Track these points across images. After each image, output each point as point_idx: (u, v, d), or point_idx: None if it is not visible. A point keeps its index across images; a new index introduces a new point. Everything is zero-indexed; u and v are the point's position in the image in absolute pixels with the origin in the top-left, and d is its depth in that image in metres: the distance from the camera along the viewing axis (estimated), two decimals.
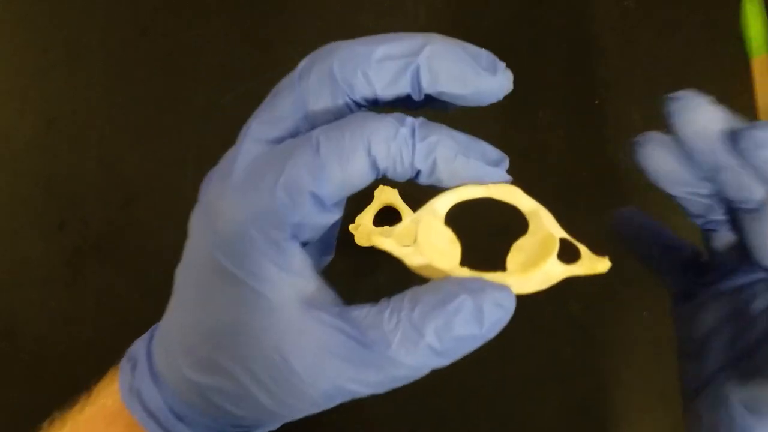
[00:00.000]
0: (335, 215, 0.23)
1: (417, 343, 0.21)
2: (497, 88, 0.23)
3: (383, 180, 0.23)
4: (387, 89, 0.22)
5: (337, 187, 0.22)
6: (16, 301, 0.53)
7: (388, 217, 0.52)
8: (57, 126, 0.56)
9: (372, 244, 0.24)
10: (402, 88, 0.22)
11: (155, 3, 0.58)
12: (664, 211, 0.34)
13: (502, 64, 0.23)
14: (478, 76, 0.22)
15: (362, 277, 0.49)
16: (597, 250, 0.24)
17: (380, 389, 0.22)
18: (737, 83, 0.54)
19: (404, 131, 0.22)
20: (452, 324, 0.21)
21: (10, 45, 0.58)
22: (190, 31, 0.57)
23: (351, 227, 0.23)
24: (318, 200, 0.22)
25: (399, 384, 0.22)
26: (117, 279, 0.53)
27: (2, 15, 0.58)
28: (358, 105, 0.23)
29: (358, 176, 0.22)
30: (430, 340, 0.21)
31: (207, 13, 0.57)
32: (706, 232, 0.28)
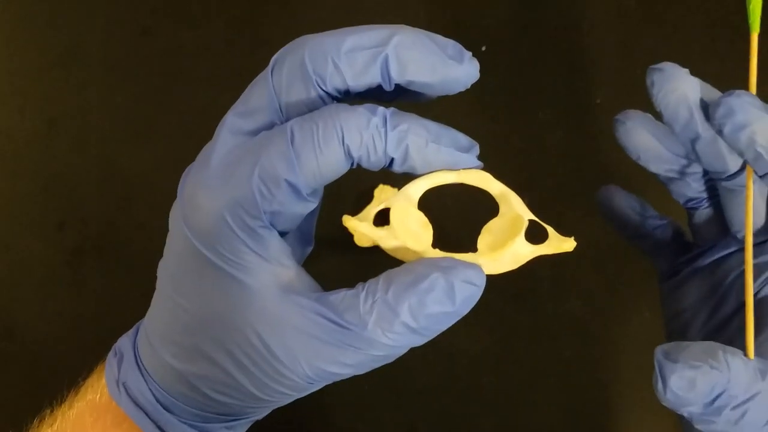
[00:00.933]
0: (311, 204, 0.24)
1: (392, 323, 0.22)
2: (464, 77, 0.24)
3: (383, 179, 0.23)
4: (357, 79, 0.23)
5: (312, 175, 0.23)
6: (15, 301, 0.53)
7: (388, 216, 0.52)
8: (57, 126, 0.56)
9: (348, 227, 0.25)
10: (372, 77, 0.23)
11: (155, 3, 0.58)
12: (664, 206, 0.34)
13: (468, 53, 0.24)
14: (445, 65, 0.23)
15: (362, 277, 0.49)
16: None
17: (360, 370, 0.23)
18: (737, 83, 0.53)
19: (376, 120, 0.23)
20: (425, 302, 0.22)
21: (10, 45, 0.58)
22: (190, 31, 0.57)
23: (344, 219, 0.23)
24: (294, 189, 0.22)
25: (379, 364, 0.23)
26: (117, 279, 0.53)
27: (2, 15, 0.58)
28: (331, 96, 0.23)
29: (333, 165, 0.23)
30: (405, 319, 0.22)
31: (207, 13, 0.57)
32: (689, 211, 0.29)
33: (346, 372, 0.23)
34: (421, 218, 0.25)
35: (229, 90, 0.55)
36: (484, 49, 0.53)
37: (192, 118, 0.55)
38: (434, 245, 0.25)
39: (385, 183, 0.50)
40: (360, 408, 0.50)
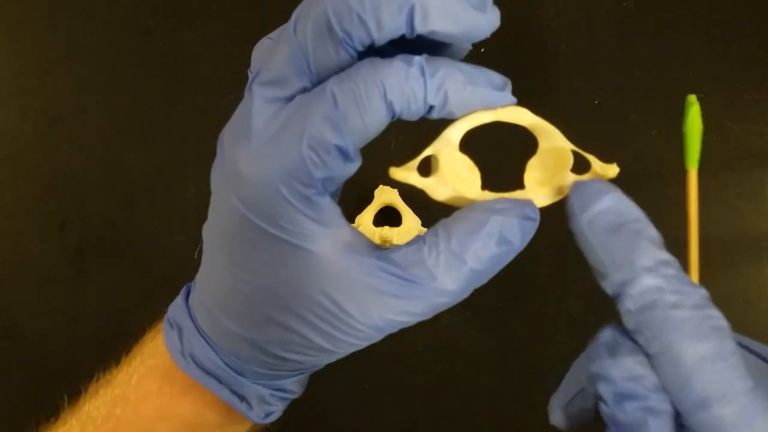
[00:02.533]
0: (357, 164, 0.24)
1: (460, 270, 0.23)
2: (486, 25, 0.24)
3: (383, 180, 0.23)
4: (382, 31, 0.22)
5: (359, 136, 0.23)
6: (17, 301, 0.53)
7: (388, 216, 0.52)
8: (58, 126, 0.56)
9: (397, 179, 0.24)
10: (397, 29, 0.23)
11: (156, 3, 0.58)
12: (661, 207, 0.34)
13: (489, 1, 0.24)
14: (468, 14, 0.23)
15: None
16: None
17: (427, 316, 0.24)
18: (737, 83, 0.54)
19: (414, 71, 0.23)
20: (489, 245, 0.23)
21: (12, 45, 0.58)
22: (191, 32, 0.57)
23: (391, 171, 0.23)
24: (343, 152, 0.22)
25: (444, 308, 0.24)
26: (118, 278, 0.53)
27: (3, 15, 0.59)
28: (356, 51, 0.23)
29: (377, 122, 0.23)
30: (473, 264, 0.23)
31: (207, 13, 0.57)
32: None
33: (415, 320, 0.24)
34: (467, 162, 0.25)
35: (230, 90, 0.56)
36: (483, 50, 0.53)
37: (192, 118, 0.56)
38: (483, 187, 0.25)
39: (384, 184, 0.51)
40: (360, 408, 0.50)
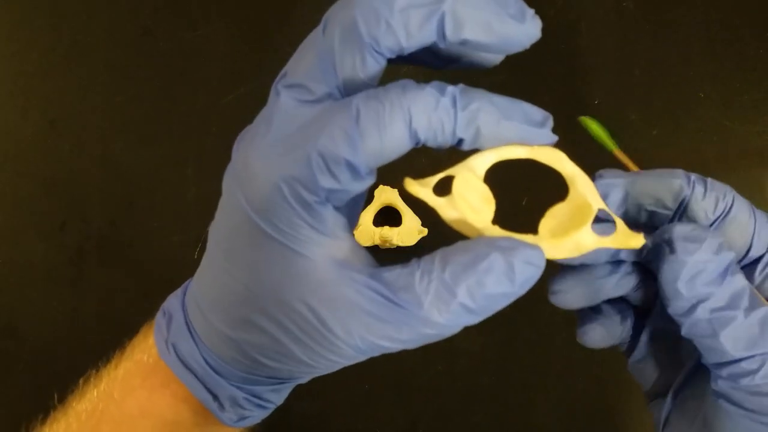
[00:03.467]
0: (368, 182, 0.23)
1: (449, 303, 0.22)
2: (524, 36, 0.23)
3: (383, 180, 0.23)
4: (412, 39, 0.22)
5: (373, 156, 0.22)
6: (18, 301, 0.53)
7: (388, 217, 0.52)
8: (58, 126, 0.56)
9: (409, 191, 0.24)
10: (427, 37, 0.22)
11: (156, 3, 0.58)
12: None
13: (530, 11, 0.22)
14: (503, 23, 0.22)
15: None
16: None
17: (411, 345, 0.23)
18: (737, 83, 0.54)
19: (445, 101, 0.22)
20: (484, 282, 0.21)
21: (12, 45, 0.58)
22: (191, 32, 0.57)
23: (406, 182, 0.23)
24: (353, 168, 0.22)
25: (431, 340, 0.23)
26: (118, 278, 0.53)
27: (3, 15, 0.59)
28: (384, 57, 0.23)
29: (396, 146, 0.22)
30: (463, 300, 0.22)
31: (208, 14, 0.57)
32: None
33: (397, 347, 0.23)
34: (485, 192, 0.24)
35: (230, 91, 0.56)
36: None
37: (192, 118, 0.56)
38: (494, 221, 0.24)
39: (384, 184, 0.51)
40: (360, 408, 0.50)
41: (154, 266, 0.53)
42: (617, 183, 0.28)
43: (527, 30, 0.23)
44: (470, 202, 0.23)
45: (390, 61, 0.23)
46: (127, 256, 0.54)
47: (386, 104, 0.21)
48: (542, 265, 0.22)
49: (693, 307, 0.24)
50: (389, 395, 0.51)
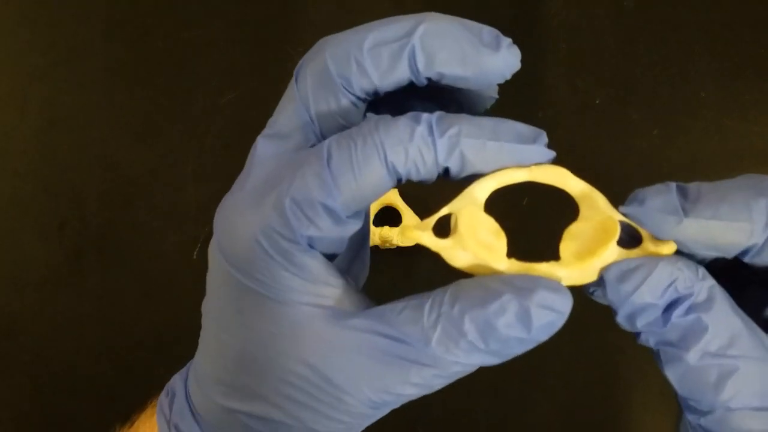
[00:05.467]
0: (353, 226, 0.22)
1: (458, 341, 0.20)
2: (502, 66, 0.21)
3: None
4: (385, 77, 0.21)
5: (351, 198, 0.20)
6: (16, 301, 0.53)
7: (388, 217, 0.52)
8: (57, 126, 0.56)
9: (408, 237, 0.22)
10: (400, 74, 0.21)
11: (156, 3, 0.58)
12: None
13: (506, 40, 0.21)
14: (478, 54, 0.21)
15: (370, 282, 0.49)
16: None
17: (427, 389, 0.21)
18: (738, 83, 0.54)
19: (421, 129, 0.20)
20: (494, 325, 0.19)
21: (11, 45, 0.58)
22: (190, 31, 0.57)
23: (403, 228, 0.21)
24: (331, 212, 0.20)
25: (446, 382, 0.21)
26: (117, 279, 0.53)
27: (3, 15, 0.58)
28: (360, 99, 0.22)
29: (375, 185, 0.21)
30: (473, 339, 0.20)
31: (207, 13, 0.57)
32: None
33: (413, 392, 0.21)
34: (492, 225, 0.22)
35: (230, 90, 0.56)
36: None
37: (192, 118, 0.55)
38: (509, 255, 0.21)
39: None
40: None
41: (153, 266, 0.53)
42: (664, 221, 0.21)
43: (505, 59, 0.21)
44: (480, 239, 0.21)
45: (367, 102, 0.22)
46: (125, 257, 0.54)
47: (358, 141, 0.20)
48: (565, 308, 0.20)
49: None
50: None
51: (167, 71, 0.57)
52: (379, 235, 0.50)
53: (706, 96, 0.53)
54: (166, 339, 0.51)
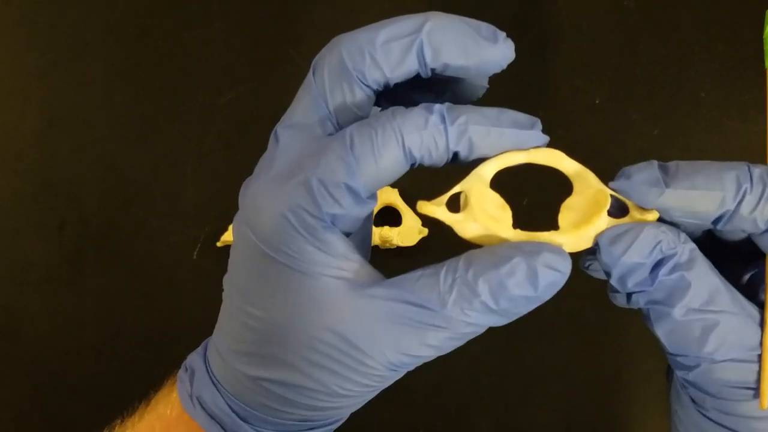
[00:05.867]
0: (370, 206, 0.24)
1: (471, 302, 0.22)
2: (500, 57, 0.24)
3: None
4: (395, 69, 0.23)
5: (371, 179, 0.23)
6: (16, 301, 0.53)
7: (388, 217, 0.52)
8: (57, 126, 0.56)
9: (424, 212, 0.24)
10: (409, 66, 0.23)
11: (156, 3, 0.58)
12: None
13: (502, 34, 0.24)
14: (478, 46, 0.24)
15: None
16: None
17: (442, 351, 0.23)
18: (737, 83, 0.54)
19: (434, 118, 0.23)
20: (506, 285, 0.22)
21: (11, 45, 0.58)
22: (190, 31, 0.57)
23: (419, 205, 0.24)
24: (353, 192, 0.23)
25: (460, 343, 0.23)
26: (117, 279, 0.53)
27: (2, 15, 0.58)
28: (373, 90, 0.24)
29: (392, 168, 0.23)
30: (485, 299, 0.22)
31: (207, 13, 0.57)
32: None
33: (429, 353, 0.23)
34: (498, 199, 0.25)
35: (230, 90, 0.56)
36: None
37: (192, 118, 0.55)
38: (514, 225, 0.24)
39: None
40: (360, 408, 0.50)
41: (153, 267, 0.53)
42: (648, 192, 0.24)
43: (501, 51, 0.24)
44: (489, 212, 0.24)
45: (379, 93, 0.24)
46: (125, 257, 0.54)
47: (378, 129, 0.23)
48: (566, 270, 0.23)
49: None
50: (389, 396, 0.50)
51: (167, 71, 0.57)
52: (379, 235, 0.50)
53: (706, 96, 0.53)
54: (166, 339, 0.51)
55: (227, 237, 0.51)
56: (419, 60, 0.23)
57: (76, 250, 0.54)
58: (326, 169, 0.22)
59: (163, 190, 0.55)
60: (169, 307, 0.52)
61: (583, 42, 0.55)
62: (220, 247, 0.52)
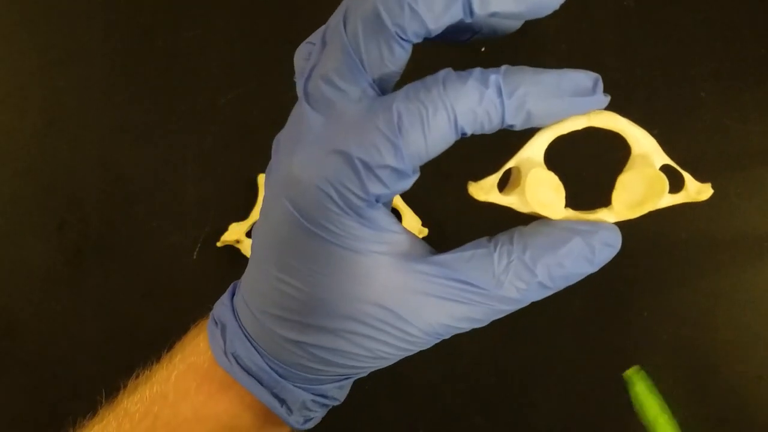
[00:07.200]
0: (414, 179, 0.23)
1: (528, 282, 0.23)
2: None
3: None
4: (438, 20, 0.21)
5: (418, 157, 0.22)
6: (16, 301, 0.53)
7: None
8: (57, 126, 0.56)
9: (476, 198, 0.24)
10: (454, 15, 0.21)
11: (156, 3, 0.58)
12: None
13: None
14: None
15: None
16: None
17: (485, 322, 0.24)
18: (737, 83, 0.54)
19: (490, 93, 0.21)
20: (564, 265, 0.23)
21: (11, 44, 0.58)
22: (191, 31, 0.57)
23: (469, 186, 0.24)
24: (399, 173, 0.22)
25: (501, 315, 0.24)
26: (117, 279, 0.53)
27: (2, 15, 0.58)
28: (411, 44, 0.22)
29: (440, 146, 0.22)
30: (542, 279, 0.23)
31: (208, 13, 0.57)
32: None
33: (473, 325, 0.24)
34: (553, 180, 0.24)
35: (230, 90, 0.56)
36: (483, 50, 0.53)
37: (192, 118, 0.55)
38: (566, 204, 0.24)
39: None
40: (360, 407, 0.50)
41: (153, 267, 0.53)
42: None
43: None
44: (540, 198, 0.24)
45: (416, 44, 0.22)
46: (125, 257, 0.54)
47: (429, 106, 0.21)
48: (619, 243, 0.23)
49: None
50: (389, 395, 0.50)
51: (167, 71, 0.57)
52: None
53: (706, 96, 0.53)
54: (166, 339, 0.51)
55: (227, 237, 0.51)
56: (464, 8, 0.21)
57: (76, 250, 0.54)
58: (373, 151, 0.21)
59: (163, 190, 0.55)
60: (169, 307, 0.52)
61: (583, 42, 0.55)
62: (220, 247, 0.52)
